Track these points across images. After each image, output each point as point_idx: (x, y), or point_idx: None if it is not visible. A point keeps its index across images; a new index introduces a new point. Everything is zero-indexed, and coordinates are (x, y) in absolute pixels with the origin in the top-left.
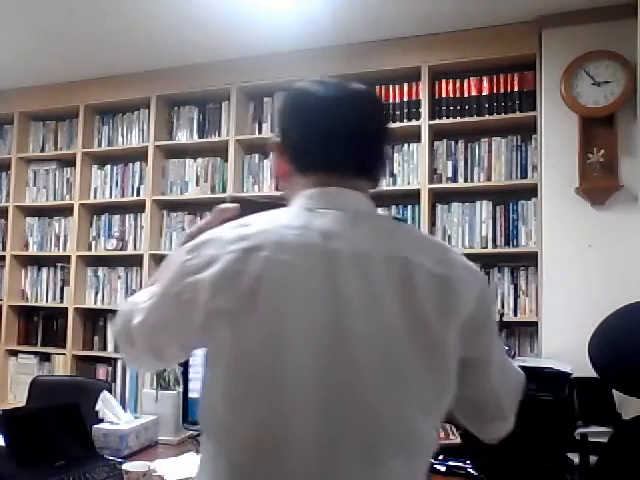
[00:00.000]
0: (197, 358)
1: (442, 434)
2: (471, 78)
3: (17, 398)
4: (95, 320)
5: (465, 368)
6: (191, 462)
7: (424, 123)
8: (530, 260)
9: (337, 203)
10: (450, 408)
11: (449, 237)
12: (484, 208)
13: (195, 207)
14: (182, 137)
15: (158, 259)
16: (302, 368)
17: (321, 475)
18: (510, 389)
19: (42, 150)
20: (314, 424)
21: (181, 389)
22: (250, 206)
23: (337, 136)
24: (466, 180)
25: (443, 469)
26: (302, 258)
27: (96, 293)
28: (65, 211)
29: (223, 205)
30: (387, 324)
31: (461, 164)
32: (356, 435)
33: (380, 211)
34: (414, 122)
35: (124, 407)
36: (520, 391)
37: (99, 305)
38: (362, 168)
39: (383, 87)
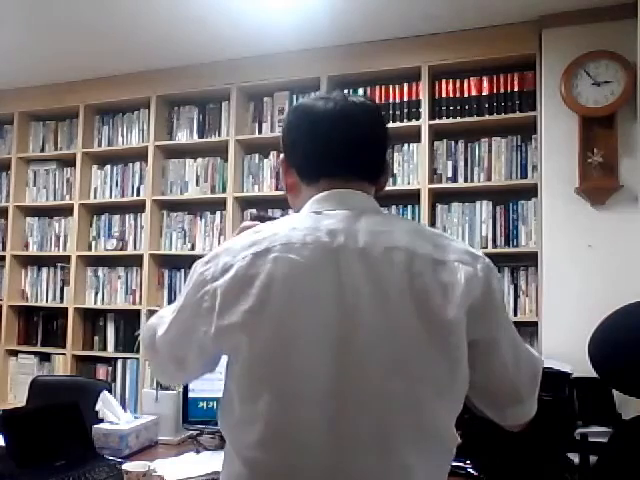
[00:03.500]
0: None
1: None
2: (471, 78)
3: (17, 398)
4: (95, 320)
5: (474, 350)
6: (191, 462)
7: (424, 123)
8: (530, 260)
9: (343, 203)
10: (470, 396)
11: None
12: (484, 208)
13: (195, 207)
14: (182, 137)
15: (158, 259)
16: (313, 363)
17: (334, 468)
18: (525, 372)
19: (42, 150)
20: (326, 419)
21: (181, 389)
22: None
23: (338, 145)
24: (466, 180)
25: None
26: (309, 256)
27: (96, 293)
28: (65, 211)
29: (246, 222)
30: (395, 312)
31: (461, 164)
32: (367, 425)
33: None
34: (414, 122)
35: (124, 407)
36: (538, 374)
37: (99, 305)
38: (364, 173)
39: (383, 87)
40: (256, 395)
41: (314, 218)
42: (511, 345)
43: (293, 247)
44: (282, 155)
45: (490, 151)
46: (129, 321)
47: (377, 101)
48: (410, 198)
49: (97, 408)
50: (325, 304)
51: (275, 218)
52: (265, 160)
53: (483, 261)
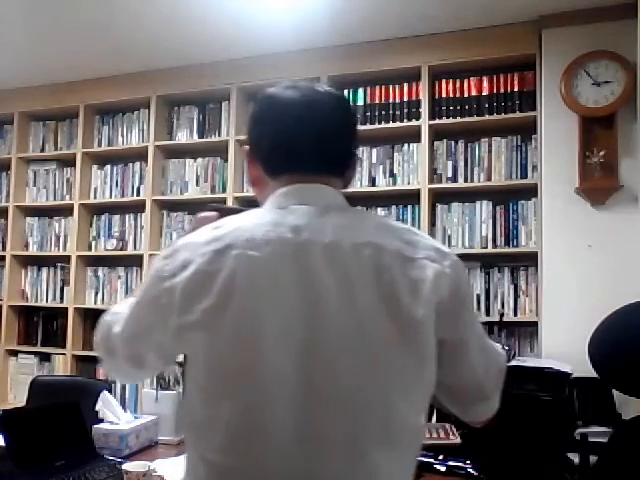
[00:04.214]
0: None
1: (442, 434)
2: (471, 78)
3: (17, 398)
4: (95, 320)
5: (442, 350)
6: None
7: (424, 123)
8: (530, 260)
9: (308, 198)
10: (435, 393)
11: (449, 237)
12: (484, 208)
13: (195, 207)
14: (182, 137)
15: None
16: (277, 364)
17: (302, 471)
18: (491, 369)
19: (42, 150)
20: (293, 420)
21: (181, 389)
22: (229, 214)
23: (303, 137)
24: (466, 180)
25: (443, 469)
26: (273, 253)
27: (96, 293)
28: (65, 211)
29: (203, 213)
30: (362, 309)
31: (461, 164)
32: (336, 425)
33: (380, 211)
34: (414, 122)
35: (124, 407)
36: (503, 371)
37: (99, 305)
38: (330, 167)
39: (383, 87)
40: (218, 396)
41: (278, 213)
42: (479, 347)
43: (255, 243)
44: (247, 146)
45: (490, 151)
46: None
47: (377, 101)
48: (410, 198)
49: (97, 408)
50: (288, 301)
51: (235, 209)
52: None
53: (452, 258)
